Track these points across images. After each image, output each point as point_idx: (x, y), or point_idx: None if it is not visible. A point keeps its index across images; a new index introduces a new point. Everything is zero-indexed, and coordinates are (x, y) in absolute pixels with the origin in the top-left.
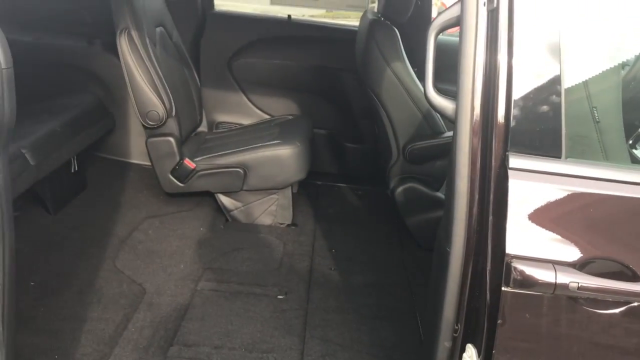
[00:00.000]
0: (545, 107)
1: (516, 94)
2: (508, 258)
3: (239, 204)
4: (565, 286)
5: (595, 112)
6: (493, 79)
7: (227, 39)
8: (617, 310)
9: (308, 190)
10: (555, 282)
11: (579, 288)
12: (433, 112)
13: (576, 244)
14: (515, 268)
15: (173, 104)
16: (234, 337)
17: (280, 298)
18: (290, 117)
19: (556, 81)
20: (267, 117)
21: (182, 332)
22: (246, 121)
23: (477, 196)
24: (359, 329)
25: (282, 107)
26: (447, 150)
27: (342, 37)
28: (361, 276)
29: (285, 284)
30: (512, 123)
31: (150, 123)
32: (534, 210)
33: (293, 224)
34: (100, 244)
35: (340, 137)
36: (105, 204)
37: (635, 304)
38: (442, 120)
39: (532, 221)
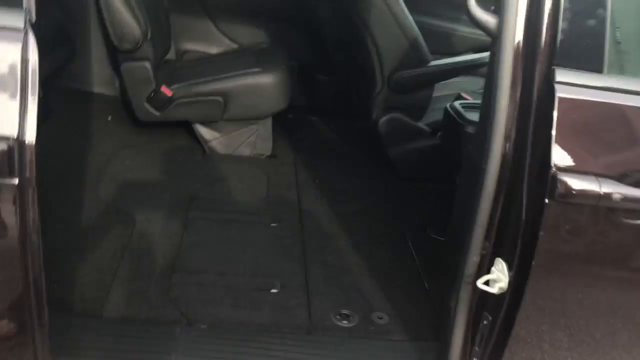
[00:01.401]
0: (591, 22)
1: (564, 7)
2: (553, 170)
3: (217, 134)
4: (608, 196)
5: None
6: None
7: None
8: None
9: (281, 123)
10: (600, 193)
11: (622, 199)
12: (420, 40)
13: (618, 156)
14: (560, 180)
15: (148, 24)
16: (235, 263)
17: (274, 226)
18: (265, 46)
19: None
20: (236, 46)
21: (181, 259)
22: (214, 50)
23: (517, 111)
24: (356, 254)
25: (253, 36)
26: (432, 80)
27: None
28: (349, 205)
29: (277, 213)
30: (560, 36)
31: (126, 45)
32: (578, 124)
33: (273, 155)
34: (78, 175)
35: (312, 69)
36: (74, 135)
37: None
38: (427, 49)
39: (576, 135)
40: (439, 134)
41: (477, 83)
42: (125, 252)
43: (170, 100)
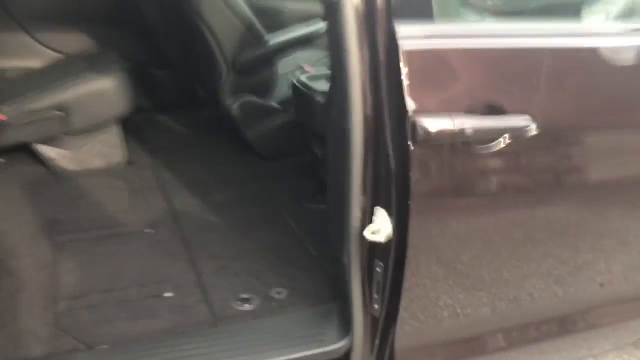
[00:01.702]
0: None
1: None
2: (411, 117)
3: (63, 151)
4: (462, 131)
5: None
6: None
7: None
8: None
9: (128, 127)
10: (455, 130)
11: (473, 131)
12: (254, 21)
13: (461, 94)
14: (419, 125)
15: None
16: (120, 278)
17: (149, 232)
18: (94, 51)
19: None
20: (61, 56)
21: (62, 287)
22: (37, 64)
23: (369, 68)
24: (241, 240)
25: (76, 42)
26: (273, 57)
27: None
28: (219, 194)
29: (148, 218)
30: None
31: None
32: (424, 71)
33: (129, 162)
34: None
35: (146, 66)
36: None
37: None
38: (264, 27)
39: (424, 81)
40: (291, 109)
41: (315, 55)
42: None
43: (3, 124)
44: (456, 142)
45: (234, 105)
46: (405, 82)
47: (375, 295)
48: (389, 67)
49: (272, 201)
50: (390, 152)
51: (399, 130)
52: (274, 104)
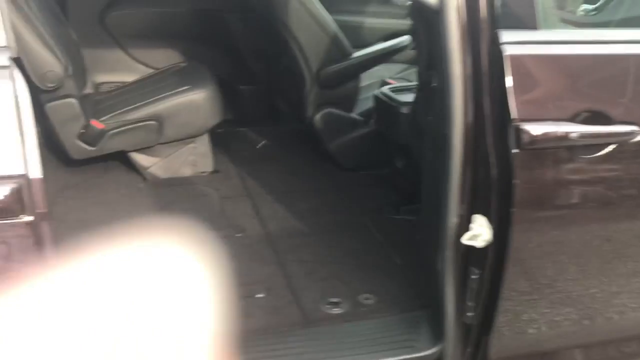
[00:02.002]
0: None
1: None
2: (516, 122)
3: (155, 159)
4: (566, 137)
5: None
6: None
7: None
8: (606, 151)
9: (213, 139)
10: (559, 135)
11: (579, 137)
12: (340, 34)
13: (566, 101)
14: (523, 130)
15: (68, 60)
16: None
17: (239, 236)
18: (184, 65)
19: None
20: (152, 71)
21: None
22: (129, 78)
23: (471, 75)
24: (327, 246)
25: (166, 58)
26: (357, 71)
27: None
28: (303, 203)
29: (237, 224)
30: (498, 2)
31: (49, 85)
32: (528, 76)
33: (215, 171)
34: None
35: (232, 81)
36: None
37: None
38: (349, 42)
39: (528, 86)
40: (371, 120)
41: (392, 69)
42: None
43: (102, 133)
44: (560, 148)
45: (316, 116)
46: (509, 87)
47: (469, 303)
48: (491, 73)
49: (354, 210)
50: (492, 158)
51: (502, 136)
52: (355, 116)
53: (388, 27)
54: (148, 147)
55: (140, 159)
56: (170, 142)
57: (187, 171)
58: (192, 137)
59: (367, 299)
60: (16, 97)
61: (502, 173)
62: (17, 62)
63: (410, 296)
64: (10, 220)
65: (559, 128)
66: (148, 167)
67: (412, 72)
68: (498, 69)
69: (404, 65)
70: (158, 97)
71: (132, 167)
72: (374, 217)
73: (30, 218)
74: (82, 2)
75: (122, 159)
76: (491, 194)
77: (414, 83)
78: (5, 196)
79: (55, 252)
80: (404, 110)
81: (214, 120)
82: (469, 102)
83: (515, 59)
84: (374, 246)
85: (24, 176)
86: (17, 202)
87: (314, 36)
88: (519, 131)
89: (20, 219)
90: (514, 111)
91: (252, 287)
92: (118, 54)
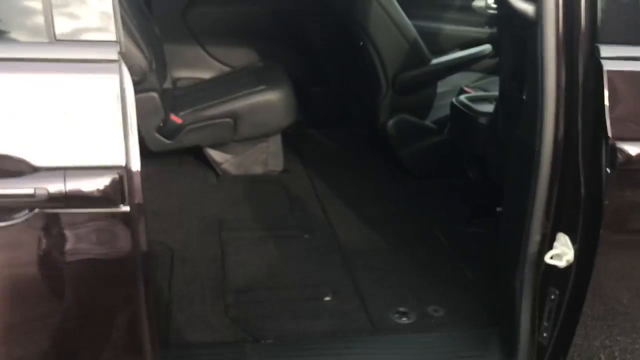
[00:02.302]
0: None
1: None
2: (611, 141)
3: (228, 156)
4: None
5: None
6: None
7: None
8: None
9: (283, 139)
10: None
11: None
12: (419, 40)
13: None
14: (619, 149)
15: (152, 55)
16: (282, 278)
17: (307, 237)
18: (260, 65)
19: None
20: (228, 69)
21: (228, 280)
22: (206, 75)
23: (565, 90)
24: (395, 254)
25: (242, 57)
26: (435, 78)
27: None
28: (372, 208)
29: (305, 225)
30: (600, 15)
31: (134, 78)
32: (627, 94)
33: (285, 170)
34: None
35: (304, 82)
36: None
37: None
38: (428, 48)
39: (626, 104)
40: (446, 129)
41: (468, 77)
42: (171, 280)
43: (180, 127)
44: None
45: (389, 122)
46: (606, 104)
47: (546, 323)
48: (586, 88)
49: (425, 220)
50: (582, 176)
51: (594, 154)
52: (429, 123)
53: (465, 35)
54: (222, 144)
55: (214, 154)
56: (244, 140)
57: (258, 169)
58: (265, 136)
59: (436, 311)
60: (122, 90)
61: (592, 192)
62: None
63: (481, 311)
64: (110, 209)
65: None
66: (221, 163)
67: (489, 82)
68: (595, 84)
69: (480, 74)
70: (235, 95)
71: (206, 162)
72: (445, 228)
73: (127, 208)
74: (167, 0)
75: (196, 153)
76: (578, 213)
77: (492, 93)
78: (107, 186)
79: (147, 241)
80: (482, 120)
81: (288, 121)
82: (561, 116)
83: (614, 74)
84: (445, 258)
85: (125, 167)
86: (118, 192)
87: (394, 41)
88: (614, 150)
89: (119, 208)
90: (609, 129)
91: (319, 289)
92: (197, 51)
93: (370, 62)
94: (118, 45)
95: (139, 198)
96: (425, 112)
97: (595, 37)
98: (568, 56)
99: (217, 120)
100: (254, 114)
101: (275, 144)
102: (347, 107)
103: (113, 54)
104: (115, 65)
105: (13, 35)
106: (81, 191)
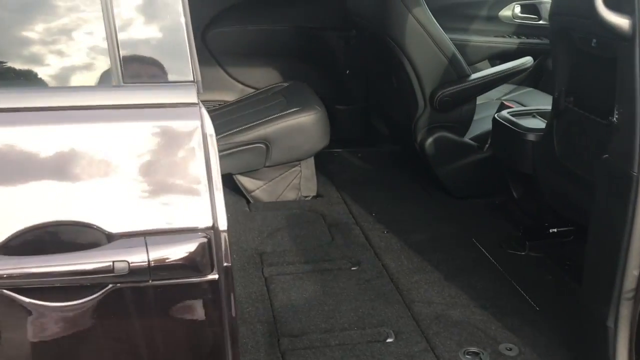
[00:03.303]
0: None
1: None
2: None
3: (260, 183)
4: None
5: None
6: None
7: (198, 8)
8: None
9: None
10: None
11: None
12: (458, 55)
13: None
14: None
15: None
16: (337, 317)
17: (355, 269)
18: (286, 85)
19: None
20: (251, 90)
21: (280, 323)
22: (228, 97)
23: None
24: (452, 285)
25: (265, 77)
26: (475, 94)
27: None
28: (416, 234)
29: (351, 255)
30: None
31: None
32: None
33: (318, 195)
34: None
35: (330, 100)
36: None
37: None
38: (466, 64)
39: None
40: (486, 146)
41: (499, 89)
42: None
43: None
44: None
45: (427, 140)
46: None
47: None
48: None
49: (472, 243)
50: None
51: None
52: (469, 141)
53: (494, 46)
54: (253, 170)
55: (245, 181)
56: (276, 165)
57: (291, 195)
58: (298, 160)
59: (509, 349)
60: (205, 137)
61: None
62: None
63: (557, 346)
64: (197, 279)
65: None
66: (253, 191)
67: (522, 94)
68: None
69: (512, 86)
70: (267, 118)
71: (236, 189)
72: (496, 252)
73: (215, 276)
74: None
75: (225, 181)
76: None
77: (535, 107)
78: (193, 251)
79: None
80: (531, 137)
81: (322, 144)
82: None
83: None
84: (505, 287)
85: (212, 228)
86: (206, 257)
87: (432, 57)
88: None
89: (206, 277)
90: None
91: (380, 330)
92: (217, 72)
93: (407, 80)
94: (196, 86)
95: (227, 261)
96: (464, 129)
97: None
98: None
99: (249, 146)
100: (288, 138)
101: (308, 168)
102: (373, 124)
103: (192, 97)
104: (195, 109)
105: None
106: (165, 260)
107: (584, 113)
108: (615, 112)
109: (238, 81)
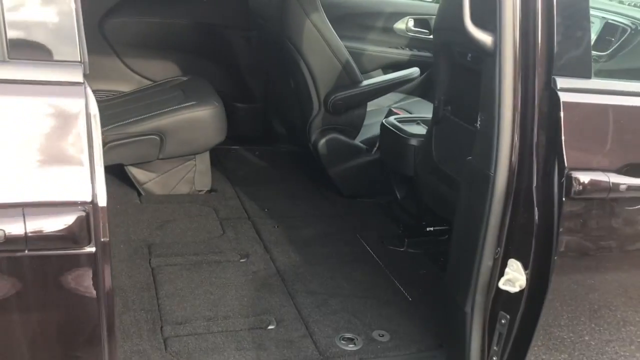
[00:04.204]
0: (579, 33)
1: (557, 22)
2: (567, 170)
3: (152, 175)
4: (616, 188)
5: None
6: (533, 9)
7: None
8: None
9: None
10: (609, 186)
11: (627, 189)
12: (352, 61)
13: (617, 150)
14: (575, 178)
15: None
16: (221, 306)
17: (243, 261)
18: (185, 79)
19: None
20: (148, 82)
21: (164, 311)
22: (124, 88)
23: (519, 118)
24: (334, 277)
25: (163, 70)
26: (366, 99)
27: None
28: (306, 229)
29: (240, 247)
30: (556, 49)
31: None
32: (581, 124)
33: (212, 189)
34: None
35: (229, 98)
36: None
37: None
38: (358, 70)
39: (581, 134)
40: (374, 149)
41: (391, 97)
42: None
43: (102, 144)
44: (607, 199)
45: (320, 141)
46: (564, 132)
47: (495, 348)
48: (542, 117)
49: (357, 239)
50: (536, 203)
51: (547, 182)
52: (359, 143)
53: (387, 57)
54: (146, 162)
55: (138, 173)
56: (170, 158)
57: (184, 189)
58: (193, 154)
59: (381, 335)
60: (88, 116)
61: (545, 219)
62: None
63: (425, 335)
64: (74, 250)
65: (609, 178)
66: (144, 183)
67: (411, 102)
68: (551, 115)
69: (402, 95)
70: (163, 110)
71: (127, 181)
72: (378, 248)
73: (93, 249)
74: (83, 7)
75: (115, 172)
76: (531, 239)
77: (421, 115)
78: (71, 224)
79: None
80: (414, 142)
81: (219, 139)
82: (516, 145)
83: (570, 105)
84: (383, 279)
85: (91, 203)
86: (85, 231)
87: (327, 62)
88: (569, 179)
89: (83, 249)
90: (565, 158)
91: (262, 318)
92: (114, 63)
93: (302, 81)
94: (82, 66)
95: (105, 236)
96: (355, 132)
97: (552, 69)
98: (524, 86)
99: (143, 137)
100: (183, 131)
101: (203, 162)
102: (272, 124)
103: (78, 76)
104: (80, 88)
105: None
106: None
107: (458, 121)
108: (479, 119)
109: (135, 72)
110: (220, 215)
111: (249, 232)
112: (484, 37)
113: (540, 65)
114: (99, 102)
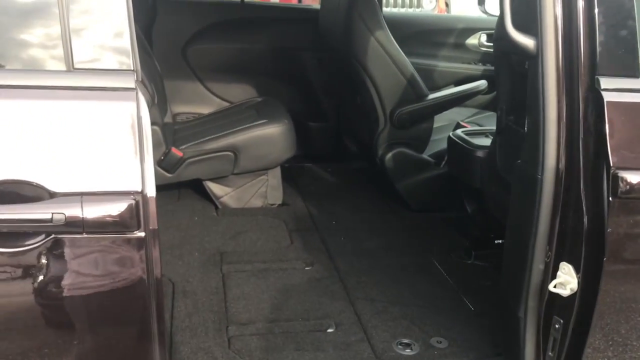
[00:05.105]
0: (623, 32)
1: (598, 22)
2: (613, 170)
3: (228, 189)
4: None
5: None
6: (574, 11)
7: (180, 25)
8: None
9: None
10: None
11: None
12: (417, 76)
13: None
14: (621, 177)
15: (154, 90)
16: (284, 310)
17: (308, 269)
18: (260, 100)
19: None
20: (227, 104)
21: (231, 312)
22: (205, 110)
23: (565, 120)
24: (396, 286)
25: (241, 92)
26: (432, 113)
27: (297, 16)
28: (371, 241)
29: (306, 257)
30: (599, 49)
31: None
32: (627, 124)
33: (284, 203)
34: None
35: (302, 117)
36: None
37: None
38: (424, 84)
39: (627, 134)
40: (442, 163)
41: (463, 112)
42: (173, 312)
43: (180, 160)
44: None
45: (387, 156)
46: (607, 134)
47: (550, 353)
48: (587, 118)
49: (423, 252)
50: (584, 205)
51: (596, 183)
52: (427, 157)
53: (459, 72)
54: (222, 177)
55: (214, 188)
56: (243, 173)
57: (257, 202)
58: (265, 169)
59: (439, 342)
60: (139, 117)
61: (594, 221)
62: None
63: (484, 342)
64: (125, 235)
65: None
66: (221, 197)
67: (483, 117)
68: (596, 115)
69: (475, 110)
70: (236, 129)
71: (205, 195)
72: (444, 260)
73: (142, 234)
74: (167, 35)
75: (195, 187)
76: (581, 241)
77: (488, 127)
78: (123, 211)
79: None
80: (480, 154)
81: (288, 154)
82: (562, 146)
83: (614, 105)
84: (446, 290)
85: (141, 193)
86: (134, 217)
87: (391, 77)
88: (615, 179)
89: (134, 234)
90: (611, 158)
91: (322, 321)
92: (196, 86)
93: (368, 98)
94: (135, 74)
95: (153, 224)
96: (423, 146)
97: (595, 69)
98: (568, 88)
99: (218, 154)
100: (254, 147)
101: (274, 177)
102: (344, 141)
103: (130, 82)
104: (132, 94)
105: (34, 63)
106: (98, 216)
107: (520, 129)
108: (526, 122)
109: (215, 95)
110: (289, 227)
111: (316, 242)
112: (526, 41)
113: (583, 66)
114: (181, 123)
